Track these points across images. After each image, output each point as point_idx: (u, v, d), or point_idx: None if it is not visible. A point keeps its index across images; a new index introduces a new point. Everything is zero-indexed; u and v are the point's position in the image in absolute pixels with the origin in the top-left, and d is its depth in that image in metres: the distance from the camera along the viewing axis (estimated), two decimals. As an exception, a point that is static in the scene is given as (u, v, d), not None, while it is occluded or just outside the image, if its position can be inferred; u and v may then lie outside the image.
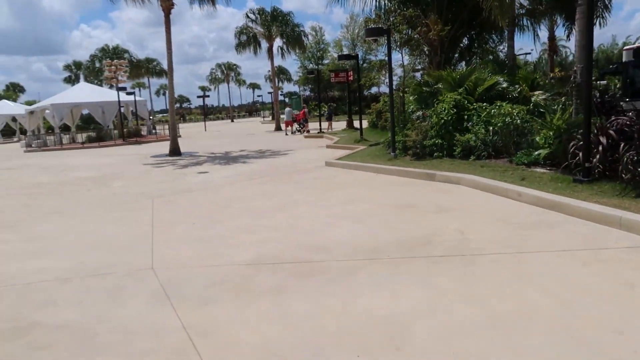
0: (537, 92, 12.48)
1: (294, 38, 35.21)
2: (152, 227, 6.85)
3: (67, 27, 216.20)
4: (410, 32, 16.25)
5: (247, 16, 34.92)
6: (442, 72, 13.79)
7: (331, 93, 51.87)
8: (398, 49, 18.62)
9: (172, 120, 19.29)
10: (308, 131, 25.79)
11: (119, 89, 27.60)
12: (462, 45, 17.77)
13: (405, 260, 4.81)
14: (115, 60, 29.91)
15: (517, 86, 12.56)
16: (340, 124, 28.45)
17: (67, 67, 53.45)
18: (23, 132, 38.82)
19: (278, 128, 34.35)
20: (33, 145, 27.78)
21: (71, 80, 52.42)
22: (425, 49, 16.60)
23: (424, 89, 14.41)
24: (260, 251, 5.37)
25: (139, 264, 5.17)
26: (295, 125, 25.88)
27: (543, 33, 24.85)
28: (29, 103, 48.04)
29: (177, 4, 17.75)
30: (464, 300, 3.75)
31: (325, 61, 56.50)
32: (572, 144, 7.56)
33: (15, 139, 40.67)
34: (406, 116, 14.10)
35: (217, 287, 4.39)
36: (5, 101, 43.20)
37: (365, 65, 54.80)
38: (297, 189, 9.40)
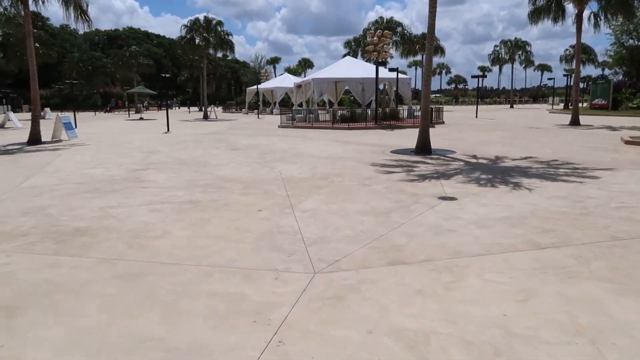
0: None
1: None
2: None
3: (364, 9, 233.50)
4: None
5: (552, -28, 26.57)
6: None
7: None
8: None
9: (425, 105, 14.01)
10: None
11: (378, 64, 23.87)
12: None
13: None
14: (377, 31, 26.27)
15: None
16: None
17: (347, 44, 53.79)
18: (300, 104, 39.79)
19: (575, 122, 25.51)
20: (287, 121, 26.96)
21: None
22: None
23: None
24: None
25: None
26: None
27: None
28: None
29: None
30: None
31: (655, 34, 42.05)
32: None
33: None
34: None
35: None
36: (287, 74, 45.66)
37: None
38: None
